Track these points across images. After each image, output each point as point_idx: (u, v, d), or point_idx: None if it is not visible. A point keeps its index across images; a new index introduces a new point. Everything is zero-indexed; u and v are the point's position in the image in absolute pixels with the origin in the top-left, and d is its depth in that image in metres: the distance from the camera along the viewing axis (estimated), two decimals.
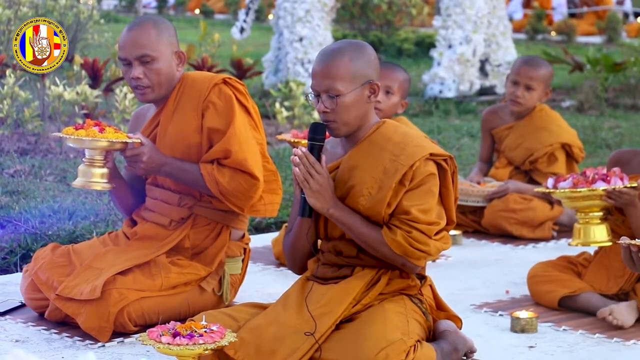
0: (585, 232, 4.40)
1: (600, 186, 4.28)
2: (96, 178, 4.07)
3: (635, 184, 4.31)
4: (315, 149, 3.59)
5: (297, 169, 3.57)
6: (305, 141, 5.09)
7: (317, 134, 3.60)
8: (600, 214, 4.39)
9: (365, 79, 3.60)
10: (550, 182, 4.41)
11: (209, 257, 4.33)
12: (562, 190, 4.32)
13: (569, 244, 4.50)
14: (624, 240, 3.15)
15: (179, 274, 4.25)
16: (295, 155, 3.58)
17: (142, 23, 4.28)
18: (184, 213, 4.33)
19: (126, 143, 4.07)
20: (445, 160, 3.63)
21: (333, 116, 3.58)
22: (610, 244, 4.40)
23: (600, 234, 4.38)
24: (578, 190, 4.28)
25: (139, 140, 4.12)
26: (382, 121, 3.69)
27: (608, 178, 4.30)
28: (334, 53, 3.59)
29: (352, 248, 3.66)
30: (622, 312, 4.33)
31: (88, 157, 4.08)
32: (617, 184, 4.29)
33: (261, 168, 4.29)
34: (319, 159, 3.58)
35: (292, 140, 5.37)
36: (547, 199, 5.82)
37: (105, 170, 4.09)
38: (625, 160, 4.59)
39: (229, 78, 4.34)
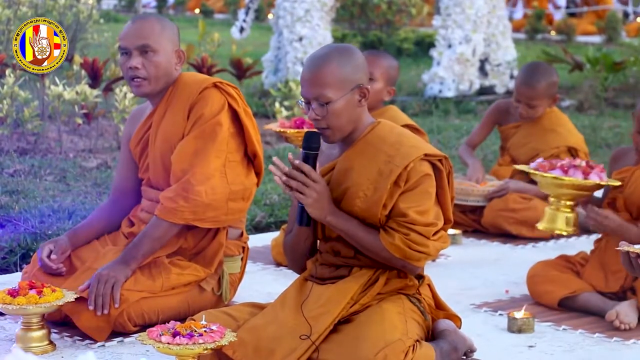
0: (552, 218, 4.55)
1: (595, 179, 4.40)
2: (36, 342, 3.91)
3: (616, 183, 4.47)
4: (310, 158, 3.54)
5: (277, 178, 3.48)
6: (291, 131, 5.06)
7: (312, 143, 3.54)
8: (572, 203, 4.53)
9: (355, 84, 3.56)
10: (533, 164, 4.55)
11: (208, 258, 4.32)
12: (546, 175, 4.44)
13: (536, 226, 4.64)
14: (623, 245, 3.13)
15: (178, 275, 4.24)
16: (273, 165, 3.49)
17: (147, 17, 4.33)
18: None
19: (64, 303, 3.91)
20: (440, 160, 3.62)
21: (325, 123, 3.54)
22: (572, 234, 4.58)
23: (567, 222, 4.54)
24: (562, 177, 4.41)
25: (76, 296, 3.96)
26: (377, 122, 3.66)
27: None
28: (321, 60, 3.54)
29: (350, 249, 3.65)
30: (628, 313, 4.32)
31: (25, 321, 3.90)
32: (595, 179, 4.40)
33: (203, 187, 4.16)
34: (314, 167, 3.54)
35: (279, 130, 5.30)
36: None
37: (44, 331, 3.93)
38: (621, 156, 4.70)
39: (220, 82, 4.28)
